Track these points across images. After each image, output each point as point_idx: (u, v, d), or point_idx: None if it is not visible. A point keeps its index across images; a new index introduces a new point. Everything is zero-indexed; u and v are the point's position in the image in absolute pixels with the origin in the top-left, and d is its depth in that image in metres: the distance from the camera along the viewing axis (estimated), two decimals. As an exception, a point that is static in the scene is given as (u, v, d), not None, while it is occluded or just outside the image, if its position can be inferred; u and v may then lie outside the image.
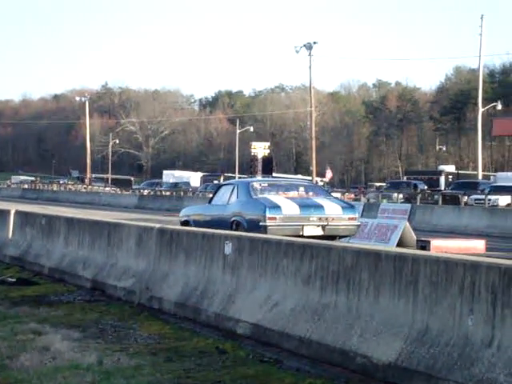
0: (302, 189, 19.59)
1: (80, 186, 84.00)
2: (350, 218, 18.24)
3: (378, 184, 76.39)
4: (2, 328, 9.63)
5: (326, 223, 17.80)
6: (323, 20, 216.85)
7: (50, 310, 11.16)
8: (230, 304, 9.69)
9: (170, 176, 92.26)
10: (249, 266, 9.73)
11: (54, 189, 78.94)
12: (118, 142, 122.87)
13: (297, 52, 60.06)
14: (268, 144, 32.50)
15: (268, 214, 17.36)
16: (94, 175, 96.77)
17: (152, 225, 12.95)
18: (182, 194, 58.81)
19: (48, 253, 15.62)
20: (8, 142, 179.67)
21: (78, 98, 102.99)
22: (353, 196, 53.18)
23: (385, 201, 45.37)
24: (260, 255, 9.55)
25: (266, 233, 16.04)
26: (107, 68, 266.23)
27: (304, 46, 59.81)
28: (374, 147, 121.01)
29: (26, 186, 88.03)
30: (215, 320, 9.86)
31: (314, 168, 61.21)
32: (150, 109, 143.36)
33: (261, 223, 17.32)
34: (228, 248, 10.17)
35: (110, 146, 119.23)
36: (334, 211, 18.03)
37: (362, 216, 28.13)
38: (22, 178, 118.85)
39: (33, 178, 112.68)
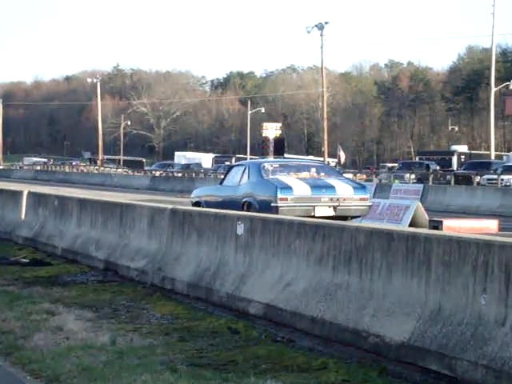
0: (313, 169, 19.55)
1: (92, 167, 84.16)
2: (361, 199, 18.15)
3: (390, 165, 76.06)
4: (15, 308, 9.68)
5: (337, 204, 17.71)
6: (334, 0, 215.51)
7: (63, 290, 11.21)
8: (243, 284, 9.70)
9: (181, 157, 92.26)
10: (261, 246, 9.73)
11: (67, 170, 79.15)
12: (129, 123, 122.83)
13: (308, 32, 59.75)
14: (279, 125, 32.33)
15: (279, 195, 17.31)
16: (105, 157, 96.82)
17: (164, 206, 12.97)
18: (193, 175, 58.84)
19: (61, 234, 15.67)
20: (20, 124, 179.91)
21: (89, 80, 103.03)
22: (365, 177, 53.06)
23: (397, 181, 45.25)
24: (272, 235, 9.55)
25: (277, 213, 15.87)
26: (119, 49, 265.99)
27: (315, 26, 59.47)
28: (386, 128, 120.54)
29: (38, 168, 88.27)
30: (228, 300, 9.87)
31: (325, 149, 61.08)
32: (162, 90, 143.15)
33: (272, 204, 17.26)
34: (240, 228, 10.17)
35: (121, 128, 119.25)
36: (346, 192, 17.95)
37: (374, 197, 28.09)
38: (35, 159, 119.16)
39: (45, 160, 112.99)
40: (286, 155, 54.37)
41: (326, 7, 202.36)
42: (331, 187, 18.00)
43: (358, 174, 54.53)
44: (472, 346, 6.56)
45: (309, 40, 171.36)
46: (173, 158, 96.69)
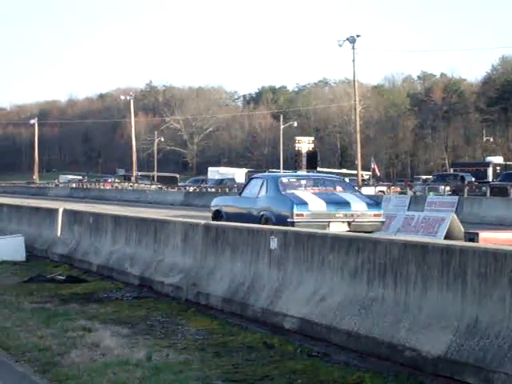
0: (329, 184, 19.98)
1: (126, 184, 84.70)
2: (375, 215, 18.48)
3: (424, 177, 75.64)
4: (52, 325, 9.75)
5: (351, 220, 18.02)
6: (366, 13, 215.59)
7: (99, 306, 11.27)
8: (277, 299, 9.69)
9: (215, 173, 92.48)
10: (295, 260, 9.72)
11: (101, 187, 79.74)
12: (163, 139, 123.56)
13: (340, 46, 59.80)
14: (312, 139, 32.32)
15: (296, 211, 17.66)
16: (139, 173, 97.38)
17: (198, 221, 13.00)
18: (227, 190, 58.91)
19: (96, 250, 15.77)
20: (55, 142, 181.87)
21: (123, 97, 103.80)
22: (399, 189, 52.81)
23: (431, 193, 44.95)
24: (306, 249, 9.54)
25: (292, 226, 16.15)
26: (151, 66, 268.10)
27: (347, 39, 59.50)
28: (420, 140, 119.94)
29: (73, 185, 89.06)
30: (262, 315, 9.86)
31: (359, 162, 60.91)
32: (194, 106, 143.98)
33: (288, 219, 17.57)
34: (273, 243, 10.17)
35: (155, 144, 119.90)
36: (360, 208, 18.31)
37: (408, 209, 27.97)
38: (70, 177, 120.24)
39: (80, 177, 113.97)
40: (318, 169, 54.33)
41: (357, 20, 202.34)
42: (346, 203, 18.38)
43: (392, 187, 54.28)
44: (510, 359, 6.48)
45: (341, 53, 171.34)
46: (206, 174, 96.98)
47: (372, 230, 18.03)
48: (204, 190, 63.03)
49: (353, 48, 59.87)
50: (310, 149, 42.62)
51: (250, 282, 10.47)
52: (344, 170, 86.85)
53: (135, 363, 7.71)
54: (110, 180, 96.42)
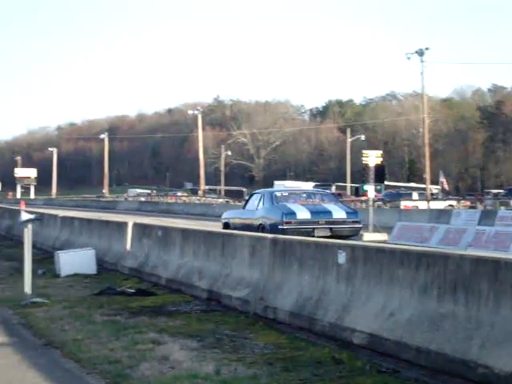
0: (316, 197, 23.35)
1: (194, 197, 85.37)
2: (353, 222, 21.69)
3: (494, 191, 74.33)
4: (122, 338, 9.87)
5: (333, 226, 21.18)
6: (435, 26, 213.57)
7: (168, 320, 11.36)
8: (345, 313, 9.63)
9: (281, 186, 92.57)
10: (363, 275, 9.64)
11: (169, 201, 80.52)
12: (230, 153, 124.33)
13: (408, 59, 59.44)
14: (380, 152, 32.05)
15: (285, 219, 20.96)
16: (207, 187, 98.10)
17: (265, 235, 13.03)
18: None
19: (164, 264, 15.91)
20: (124, 157, 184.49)
21: (190, 112, 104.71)
22: (469, 203, 52.01)
23: (503, 208, 44.14)
24: (374, 264, 9.46)
25: (283, 234, 17.76)
26: (219, 81, 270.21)
27: (416, 52, 59.09)
28: (490, 153, 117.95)
29: (142, 199, 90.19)
30: (330, 330, 9.81)
31: (427, 176, 60.25)
32: (261, 120, 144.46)
33: (279, 226, 20.67)
34: (341, 257, 10.11)
35: (222, 158, 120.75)
36: (340, 216, 21.53)
37: (479, 224, 27.52)
38: (139, 191, 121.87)
39: (148, 191, 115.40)
40: (386, 182, 53.88)
41: (426, 33, 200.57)
42: (328, 212, 21.62)
43: (462, 201, 53.49)
44: None
45: (409, 66, 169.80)
46: (272, 188, 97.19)
47: (351, 235, 21.13)
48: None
49: (421, 61, 59.44)
50: (378, 162, 42.18)
51: (317, 296, 10.42)
52: (412, 184, 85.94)
53: (204, 377, 7.75)
54: (178, 194, 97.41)
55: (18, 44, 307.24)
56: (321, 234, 20.17)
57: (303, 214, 21.34)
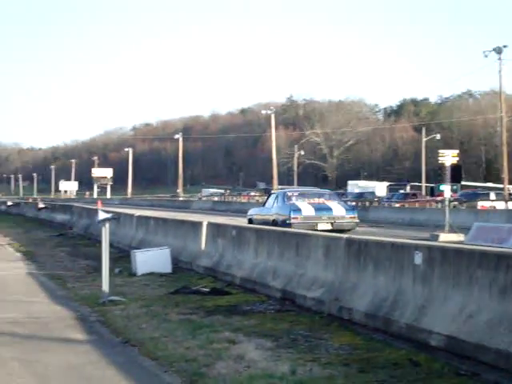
0: (320, 196, 27.39)
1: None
2: (351, 217, 25.67)
3: None
4: (198, 336, 9.96)
5: (333, 221, 25.10)
6: None
7: (243, 319, 11.41)
8: (422, 315, 9.50)
9: (354, 186, 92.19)
10: (440, 276, 9.50)
11: (242, 201, 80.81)
12: (303, 153, 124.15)
13: (485, 56, 58.36)
14: (456, 151, 31.55)
15: (292, 215, 25.05)
16: (280, 187, 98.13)
17: (340, 235, 12.96)
18: (367, 204, 58.48)
19: (239, 263, 15.98)
20: (198, 157, 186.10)
21: (264, 112, 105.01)
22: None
23: None
24: (452, 265, 9.31)
25: (291, 228, 20.98)
26: (292, 81, 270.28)
27: (493, 49, 57.98)
28: None
29: (215, 199, 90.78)
30: (407, 331, 9.69)
31: (505, 175, 59.11)
32: (335, 119, 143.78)
33: (287, 221, 24.64)
34: (418, 258, 9.99)
35: (295, 158, 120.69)
36: (340, 212, 25.58)
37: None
38: (212, 190, 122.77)
39: (222, 191, 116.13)
40: (462, 182, 53.04)
41: (503, 30, 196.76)
42: (330, 209, 25.60)
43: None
44: None
45: (486, 64, 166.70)
46: (346, 187, 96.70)
47: (349, 229, 24.72)
48: (344, 203, 62.67)
49: (499, 59, 58.28)
50: (454, 162, 41.58)
51: (393, 297, 10.32)
52: (490, 184, 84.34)
53: (280, 377, 7.75)
54: (251, 193, 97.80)
55: (93, 48, 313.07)
56: (323, 228, 23.94)
57: (308, 210, 25.43)
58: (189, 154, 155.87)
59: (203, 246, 18.48)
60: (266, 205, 27.79)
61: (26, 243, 29.22)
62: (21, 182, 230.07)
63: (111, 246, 20.67)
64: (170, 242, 20.26)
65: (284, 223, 24.23)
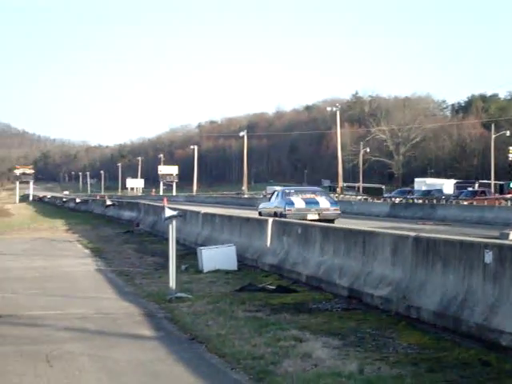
0: (312, 192, 33.70)
1: (332, 195, 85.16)
2: (334, 209, 31.74)
3: None
4: (265, 334, 9.96)
5: (320, 212, 31.02)
6: None
7: (310, 317, 11.37)
8: (493, 314, 9.32)
9: (421, 183, 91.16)
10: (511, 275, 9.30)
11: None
12: (368, 150, 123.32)
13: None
14: (526, 148, 30.94)
15: (286, 208, 30.89)
16: (345, 184, 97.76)
17: (407, 233, 12.80)
18: (434, 201, 57.79)
19: (304, 261, 15.93)
20: (263, 154, 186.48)
21: (329, 109, 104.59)
22: None
23: None
24: (523, 265, 9.10)
25: (286, 218, 24.48)
26: (358, 77, 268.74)
27: None
28: None
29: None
30: (477, 331, 9.51)
31: None
32: (401, 116, 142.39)
33: (283, 213, 30.22)
34: (488, 256, 9.80)
35: (360, 155, 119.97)
36: (325, 205, 31.72)
37: None
38: (277, 188, 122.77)
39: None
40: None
41: None
42: (317, 202, 31.72)
43: None
44: None
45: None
46: (412, 185, 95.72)
47: (332, 218, 30.42)
48: (410, 201, 62.13)
49: None
50: (524, 158, 41.06)
51: (462, 296, 10.15)
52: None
53: (347, 375, 7.70)
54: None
55: (159, 47, 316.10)
56: (311, 218, 29.54)
57: (300, 204, 31.46)
58: (253, 151, 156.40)
59: (268, 243, 18.48)
60: (271, 200, 34.35)
61: (94, 240, 29.70)
62: (88, 180, 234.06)
63: (177, 242, 20.81)
64: (235, 239, 20.32)
65: (281, 214, 29.60)
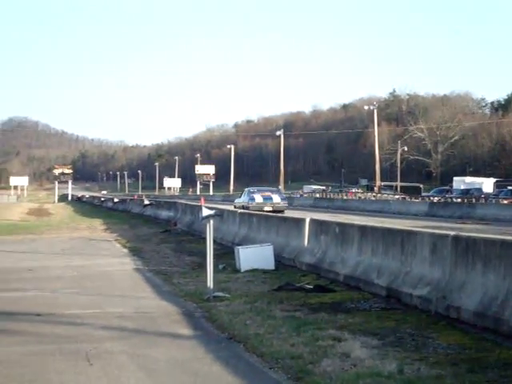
0: (269, 191, 46.64)
1: (369, 194, 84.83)
2: (283, 203, 43.50)
3: None
4: (303, 334, 9.93)
5: (273, 205, 42.29)
6: None
7: (347, 316, 11.32)
8: (534, 315, 9.20)
9: (460, 182, 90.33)
10: (553, 275, 9.17)
11: (344, 197, 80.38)
12: (406, 149, 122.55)
13: None
14: None
15: (249, 202, 42.61)
16: (382, 183, 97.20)
17: (446, 232, 12.66)
18: (473, 200, 57.24)
19: (342, 260, 15.86)
20: (299, 153, 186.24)
21: (366, 107, 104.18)
22: None
23: None
24: None
25: (249, 210, 31.42)
26: (395, 75, 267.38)
27: None
28: None
29: (317, 195, 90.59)
30: (518, 331, 9.40)
31: None
32: (439, 114, 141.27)
33: (247, 206, 41.37)
34: (529, 256, 9.67)
35: (398, 154, 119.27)
36: (277, 200, 43.43)
37: None
38: (314, 187, 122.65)
39: (323, 187, 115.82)
40: None
41: None
42: (271, 198, 43.64)
43: None
44: None
45: None
46: (451, 183, 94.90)
47: (281, 210, 40.52)
48: (449, 200, 61.60)
49: None
50: None
51: (503, 296, 10.02)
52: None
53: (387, 375, 7.64)
54: (353, 190, 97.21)
55: (198, 47, 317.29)
56: (267, 209, 39.50)
57: (259, 199, 43.46)
58: (290, 150, 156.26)
59: (306, 242, 18.44)
60: (241, 197, 46.35)
61: (132, 239, 29.89)
62: (126, 179, 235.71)
63: (214, 242, 20.85)
64: (272, 238, 20.29)
65: (246, 207, 40.21)
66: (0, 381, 8.07)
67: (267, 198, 43.27)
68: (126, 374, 8.24)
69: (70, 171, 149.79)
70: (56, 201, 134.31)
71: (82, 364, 8.68)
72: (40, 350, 9.44)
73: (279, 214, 26.05)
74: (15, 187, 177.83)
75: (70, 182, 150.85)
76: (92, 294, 14.60)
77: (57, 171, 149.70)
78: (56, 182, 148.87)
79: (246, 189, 48.20)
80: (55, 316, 12.04)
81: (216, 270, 15.28)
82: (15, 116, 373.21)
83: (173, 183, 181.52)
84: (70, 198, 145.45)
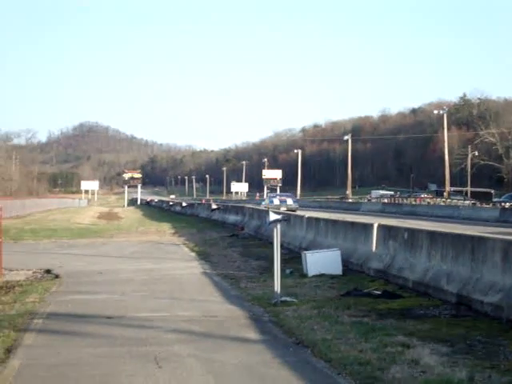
0: (285, 196, 63.63)
1: (438, 199, 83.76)
2: (295, 205, 57.40)
3: None
4: (371, 340, 9.86)
5: (287, 207, 54.76)
6: None
7: (416, 323, 11.20)
8: None
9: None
10: None
11: (413, 203, 79.47)
12: (476, 154, 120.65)
13: None
14: None
15: (269, 204, 55.93)
16: (452, 188, 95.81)
17: (518, 239, 12.43)
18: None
19: (411, 266, 15.70)
20: (367, 158, 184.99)
21: (435, 111, 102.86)
22: None
23: None
24: None
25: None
26: (466, 79, 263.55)
27: None
28: None
29: (385, 201, 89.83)
30: None
31: None
32: (511, 119, 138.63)
33: (266, 207, 44.63)
34: None
35: (468, 159, 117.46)
36: (290, 203, 58.24)
37: None
38: (382, 192, 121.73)
39: (392, 193, 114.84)
40: None
41: None
42: (285, 201, 58.47)
43: None
44: None
45: None
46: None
47: (294, 210, 47.09)
48: (520, 205, 60.25)
49: None
50: None
51: None
52: None
53: (457, 383, 7.53)
54: (422, 195, 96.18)
55: (262, 50, 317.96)
56: (282, 210, 45.24)
57: (276, 202, 56.85)
58: (358, 155, 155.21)
59: (374, 248, 18.30)
60: (265, 200, 63.44)
61: (199, 243, 30.11)
62: (194, 184, 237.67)
63: (281, 246, 20.88)
64: (339, 243, 20.21)
65: (267, 208, 43.41)
66: (70, 382, 8.21)
67: (283, 202, 57.86)
68: (195, 378, 8.31)
69: (140, 176, 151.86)
70: (125, 205, 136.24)
71: (151, 367, 8.78)
72: (110, 353, 9.59)
73: (348, 219, 25.74)
74: (86, 191, 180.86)
75: (139, 187, 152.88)
76: (161, 297, 14.75)
77: (126, 176, 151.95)
78: (126, 187, 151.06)
79: (268, 194, 65.42)
80: (125, 319, 12.21)
81: (283, 275, 15.29)
82: (86, 121, 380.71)
83: (240, 188, 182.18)
84: (139, 202, 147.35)
